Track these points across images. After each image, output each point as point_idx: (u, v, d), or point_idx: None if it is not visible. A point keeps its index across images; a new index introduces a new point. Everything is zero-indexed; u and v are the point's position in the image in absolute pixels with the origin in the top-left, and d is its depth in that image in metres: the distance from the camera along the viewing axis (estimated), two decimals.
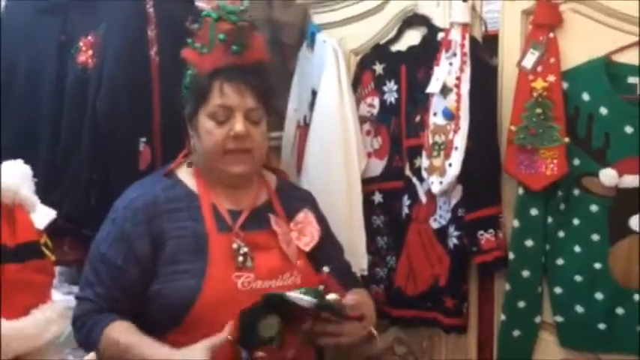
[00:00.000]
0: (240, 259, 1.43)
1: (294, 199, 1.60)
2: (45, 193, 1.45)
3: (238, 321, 1.31)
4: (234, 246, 1.44)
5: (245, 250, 1.44)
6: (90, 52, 1.57)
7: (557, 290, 1.65)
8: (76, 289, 2.00)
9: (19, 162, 1.14)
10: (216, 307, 1.38)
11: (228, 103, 1.45)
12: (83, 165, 1.53)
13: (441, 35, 1.75)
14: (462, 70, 1.68)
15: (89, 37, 1.58)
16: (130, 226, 1.42)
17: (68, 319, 1.29)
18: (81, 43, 1.58)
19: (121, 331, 1.37)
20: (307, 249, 1.53)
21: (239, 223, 1.47)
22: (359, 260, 1.81)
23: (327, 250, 1.60)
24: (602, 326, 1.61)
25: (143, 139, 1.55)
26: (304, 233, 1.54)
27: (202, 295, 1.39)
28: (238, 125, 1.44)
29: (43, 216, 1.15)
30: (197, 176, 1.51)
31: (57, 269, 1.83)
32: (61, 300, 1.18)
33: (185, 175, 1.52)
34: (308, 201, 1.64)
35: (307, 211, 1.57)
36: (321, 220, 1.62)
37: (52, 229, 1.28)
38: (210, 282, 1.40)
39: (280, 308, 1.32)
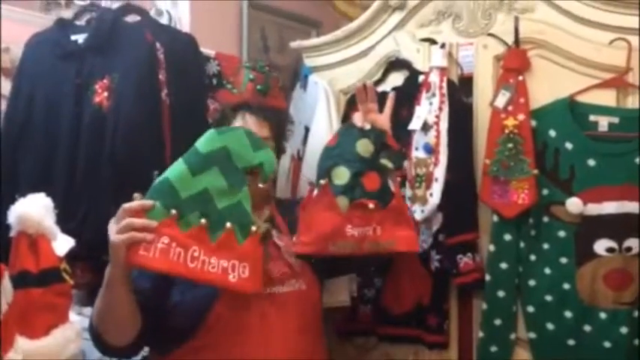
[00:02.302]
0: None
1: (295, 217, 1.57)
2: (64, 223, 1.49)
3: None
4: None
5: None
6: (105, 94, 1.59)
7: (530, 309, 1.67)
8: (86, 310, 2.01)
9: (42, 195, 1.17)
10: (231, 311, 1.39)
11: (247, 128, 1.48)
12: (102, 196, 1.54)
13: (421, 77, 1.79)
14: (440, 108, 1.71)
15: (104, 81, 1.60)
16: None
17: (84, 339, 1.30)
18: (96, 86, 1.60)
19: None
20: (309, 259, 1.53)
21: None
22: (349, 283, 1.81)
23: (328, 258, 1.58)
24: (571, 342, 1.63)
25: (156, 172, 1.57)
26: None
27: (219, 301, 1.39)
28: None
29: (63, 244, 1.17)
30: None
31: None
32: (78, 320, 1.20)
33: None
34: None
35: None
36: None
37: (65, 255, 1.31)
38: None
39: None
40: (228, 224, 1.27)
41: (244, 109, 1.54)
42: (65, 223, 1.49)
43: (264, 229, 1.44)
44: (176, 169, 1.29)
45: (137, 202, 1.24)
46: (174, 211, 1.24)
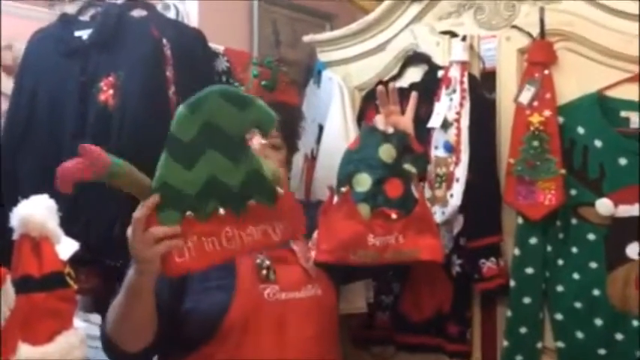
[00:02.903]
0: (264, 272, 1.45)
1: (310, 217, 1.57)
2: (69, 226, 1.50)
3: None
4: (258, 261, 1.46)
5: (267, 263, 1.46)
6: (110, 91, 1.60)
7: (558, 316, 1.66)
8: (92, 317, 2.02)
9: (45, 197, 1.19)
10: (245, 318, 1.40)
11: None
12: (106, 199, 1.56)
13: (441, 72, 1.79)
14: (461, 105, 1.71)
15: (110, 78, 1.62)
16: None
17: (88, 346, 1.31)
18: (102, 84, 1.62)
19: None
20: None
21: None
22: (365, 288, 1.82)
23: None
24: (602, 351, 1.61)
25: None
26: None
27: (233, 307, 1.41)
28: (255, 142, 1.47)
29: (67, 247, 1.19)
30: None
31: None
32: (83, 327, 1.21)
33: None
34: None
35: None
36: None
37: (69, 259, 1.32)
38: (240, 294, 1.42)
39: None
40: (252, 201, 1.24)
41: None
42: (69, 226, 1.50)
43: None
44: (168, 168, 1.21)
45: (144, 207, 1.22)
46: (189, 212, 1.21)
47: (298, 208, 1.35)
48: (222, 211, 1.23)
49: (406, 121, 1.58)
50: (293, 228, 1.31)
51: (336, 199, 1.46)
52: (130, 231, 1.23)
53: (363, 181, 1.45)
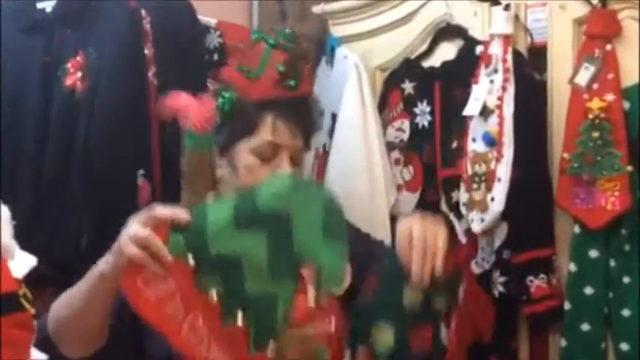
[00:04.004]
0: None
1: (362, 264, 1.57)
2: (29, 237, 1.49)
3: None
4: None
5: None
6: (79, 74, 1.60)
7: (624, 346, 1.65)
8: None
9: None
10: None
11: (279, 141, 1.47)
12: (73, 204, 1.56)
13: (479, 49, 1.78)
14: (504, 88, 1.70)
15: (78, 58, 1.62)
16: None
17: None
18: (68, 65, 1.62)
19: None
20: (338, 292, 1.53)
21: None
22: None
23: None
24: None
25: (142, 172, 1.58)
26: None
27: None
28: (285, 167, 1.47)
29: (22, 264, 1.17)
30: None
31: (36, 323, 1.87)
32: (43, 359, 1.20)
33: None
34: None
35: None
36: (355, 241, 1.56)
37: (32, 277, 1.32)
38: None
39: None
40: (240, 321, 1.22)
41: (273, 109, 1.47)
42: (31, 237, 1.51)
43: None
44: (221, 212, 1.23)
45: (170, 210, 1.23)
46: (192, 262, 1.21)
47: None
48: (215, 297, 1.22)
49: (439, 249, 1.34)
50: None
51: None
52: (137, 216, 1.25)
53: (386, 336, 1.41)
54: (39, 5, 1.71)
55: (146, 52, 1.62)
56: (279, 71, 1.50)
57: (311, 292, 1.46)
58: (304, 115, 1.53)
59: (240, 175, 1.48)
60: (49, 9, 1.69)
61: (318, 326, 1.47)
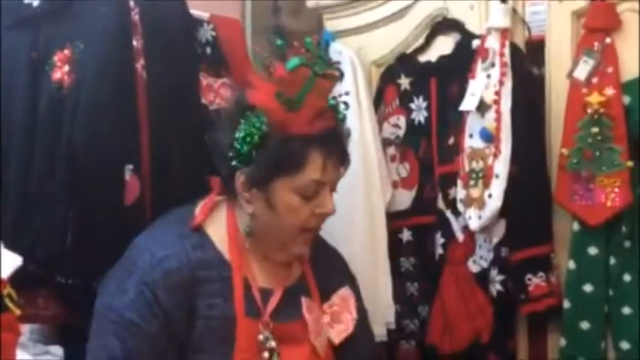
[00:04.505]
0: (266, 355, 1.41)
1: (330, 269, 1.56)
2: (15, 237, 1.46)
3: None
4: (261, 337, 1.42)
5: (272, 344, 1.42)
6: (66, 67, 1.57)
7: (624, 345, 1.64)
8: (54, 349, 2.02)
9: None
10: None
11: (326, 179, 1.41)
12: (57, 201, 1.53)
13: (476, 43, 1.77)
14: (501, 83, 1.69)
15: (65, 51, 1.58)
16: (164, 293, 1.37)
17: None
18: (55, 58, 1.59)
19: None
20: (337, 341, 1.51)
21: (269, 310, 1.45)
22: (384, 312, 1.81)
23: (358, 343, 1.55)
24: None
25: (130, 167, 1.55)
26: (339, 320, 1.51)
27: None
28: (330, 204, 1.42)
29: (7, 264, 1.16)
30: (232, 236, 1.44)
31: (28, 327, 1.85)
32: None
33: (215, 230, 1.45)
34: (344, 272, 1.60)
35: (346, 291, 1.53)
36: (357, 297, 1.58)
37: (23, 279, 1.29)
38: None
39: None
40: None
41: (321, 147, 1.38)
42: (18, 239, 1.49)
43: None
44: None
45: None
46: None
47: None
48: None
49: None
50: None
51: None
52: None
53: None
54: (26, 0, 1.69)
55: (135, 43, 1.59)
56: (328, 104, 1.39)
57: (318, 342, 1.47)
58: (344, 145, 1.45)
59: (280, 214, 1.40)
60: (35, 3, 1.66)
61: None
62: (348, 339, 1.52)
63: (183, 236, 1.43)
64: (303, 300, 1.48)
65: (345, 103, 1.46)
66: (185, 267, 1.40)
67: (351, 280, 1.59)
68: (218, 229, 1.46)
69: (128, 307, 1.37)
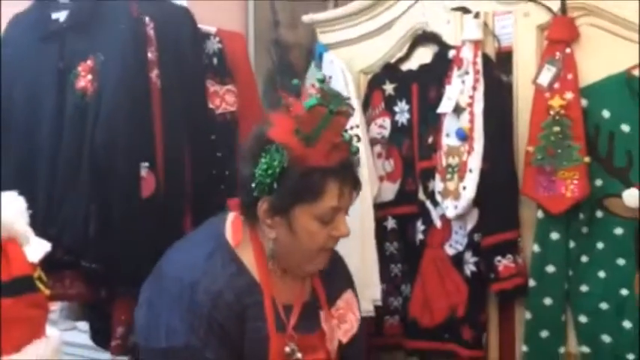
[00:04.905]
0: None
1: (334, 275, 1.54)
2: (44, 227, 1.47)
3: None
4: (287, 349, 1.41)
5: (299, 355, 1.41)
6: (89, 76, 1.58)
7: (582, 319, 1.64)
8: (81, 325, 2.02)
9: (14, 194, 1.15)
10: None
11: (343, 206, 1.39)
12: (81, 195, 1.53)
13: (452, 53, 1.76)
14: (474, 88, 1.68)
15: (88, 62, 1.59)
16: (229, 326, 1.35)
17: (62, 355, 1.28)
18: (80, 68, 1.59)
19: None
20: (345, 340, 1.49)
21: (292, 324, 1.43)
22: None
23: (359, 339, 1.54)
24: (631, 357, 1.58)
25: (145, 165, 1.55)
26: (344, 320, 1.50)
27: None
28: (345, 227, 1.40)
29: (37, 249, 1.15)
30: (259, 261, 1.41)
31: (57, 305, 1.85)
32: (56, 335, 1.17)
33: (244, 253, 1.41)
34: (346, 276, 1.58)
35: (350, 294, 1.53)
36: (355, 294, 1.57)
37: (52, 263, 1.29)
38: None
39: None
40: None
41: (338, 177, 1.35)
42: (47, 228, 1.49)
43: None
44: None
45: None
46: None
47: None
48: None
49: None
50: None
51: None
52: None
53: None
54: (53, 16, 1.68)
55: (149, 55, 1.59)
56: (342, 139, 1.37)
57: (332, 345, 1.46)
58: (357, 174, 1.42)
59: (301, 238, 1.38)
60: (62, 19, 1.66)
61: None
62: (351, 338, 1.51)
63: (225, 265, 1.38)
64: (321, 313, 1.46)
65: (357, 136, 1.44)
66: (236, 297, 1.37)
67: (350, 282, 1.57)
68: (246, 252, 1.41)
69: (205, 345, 1.33)
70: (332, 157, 1.35)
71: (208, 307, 1.34)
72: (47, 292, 1.14)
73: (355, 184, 1.41)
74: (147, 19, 1.60)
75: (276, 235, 1.38)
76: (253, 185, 1.36)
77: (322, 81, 1.40)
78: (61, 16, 1.66)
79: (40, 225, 1.37)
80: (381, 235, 1.86)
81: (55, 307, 1.87)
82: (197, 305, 1.33)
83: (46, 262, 1.20)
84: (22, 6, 1.80)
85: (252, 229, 1.42)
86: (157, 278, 1.41)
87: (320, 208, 1.35)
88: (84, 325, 1.92)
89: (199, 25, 1.76)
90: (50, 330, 1.16)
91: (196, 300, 1.34)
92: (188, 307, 1.34)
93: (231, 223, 1.43)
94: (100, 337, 1.77)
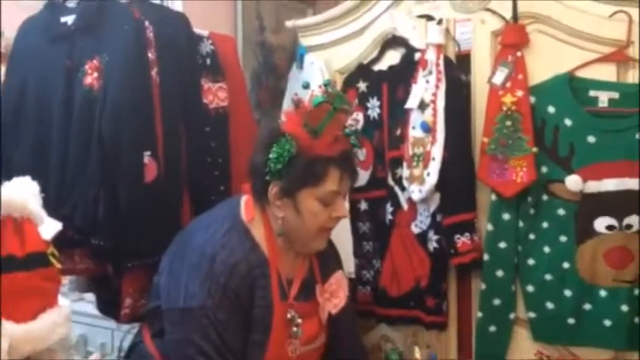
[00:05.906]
0: (294, 329, 1.44)
1: (328, 258, 1.57)
2: (56, 208, 1.46)
3: None
4: (289, 316, 1.44)
5: (298, 321, 1.44)
6: (95, 74, 1.57)
7: (529, 288, 1.66)
8: (88, 296, 2.01)
9: (27, 179, 1.15)
10: None
11: (342, 190, 1.43)
12: (90, 181, 1.53)
13: (418, 55, 1.76)
14: (437, 86, 1.69)
15: (94, 61, 1.58)
16: (242, 292, 1.38)
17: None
18: (87, 67, 1.58)
19: None
20: (335, 311, 1.52)
21: (293, 294, 1.46)
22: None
23: (347, 311, 1.57)
24: (571, 321, 1.61)
25: (148, 153, 1.55)
26: (336, 295, 1.53)
27: None
28: (344, 209, 1.44)
29: (50, 228, 1.15)
30: (269, 239, 1.44)
31: (67, 278, 1.84)
32: (67, 305, 1.18)
33: (256, 231, 1.45)
34: (337, 259, 1.62)
35: (340, 274, 1.55)
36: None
37: (63, 241, 1.29)
38: (270, 351, 1.41)
39: None
40: None
41: (339, 164, 1.40)
42: (59, 210, 1.49)
43: None
44: None
45: None
46: None
47: None
48: None
49: None
50: None
51: None
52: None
53: None
54: (62, 19, 1.66)
55: (149, 55, 1.58)
56: (344, 133, 1.42)
57: (323, 315, 1.48)
58: (355, 165, 1.47)
59: (305, 218, 1.41)
60: (70, 22, 1.64)
61: (321, 339, 1.50)
62: (342, 309, 1.53)
63: (241, 241, 1.41)
64: (317, 287, 1.50)
65: (357, 132, 1.49)
66: (249, 269, 1.39)
67: (340, 264, 1.62)
68: (258, 231, 1.45)
69: (219, 307, 1.35)
70: (334, 148, 1.40)
71: (225, 275, 1.36)
72: (59, 266, 1.15)
73: (353, 173, 1.45)
74: (147, 22, 1.59)
75: (284, 215, 1.42)
76: (266, 171, 1.39)
77: (328, 84, 1.45)
78: (69, 19, 1.64)
79: (52, 207, 1.37)
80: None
81: (65, 280, 1.87)
82: (215, 274, 1.36)
83: (58, 240, 1.20)
84: (23, 6, 1.78)
85: (262, 210, 1.45)
86: (180, 248, 1.44)
87: (322, 191, 1.39)
88: (90, 297, 1.92)
89: (194, 29, 1.75)
90: (62, 300, 1.16)
91: (214, 269, 1.36)
92: (206, 274, 1.36)
93: (245, 204, 1.47)
94: (106, 307, 1.77)
